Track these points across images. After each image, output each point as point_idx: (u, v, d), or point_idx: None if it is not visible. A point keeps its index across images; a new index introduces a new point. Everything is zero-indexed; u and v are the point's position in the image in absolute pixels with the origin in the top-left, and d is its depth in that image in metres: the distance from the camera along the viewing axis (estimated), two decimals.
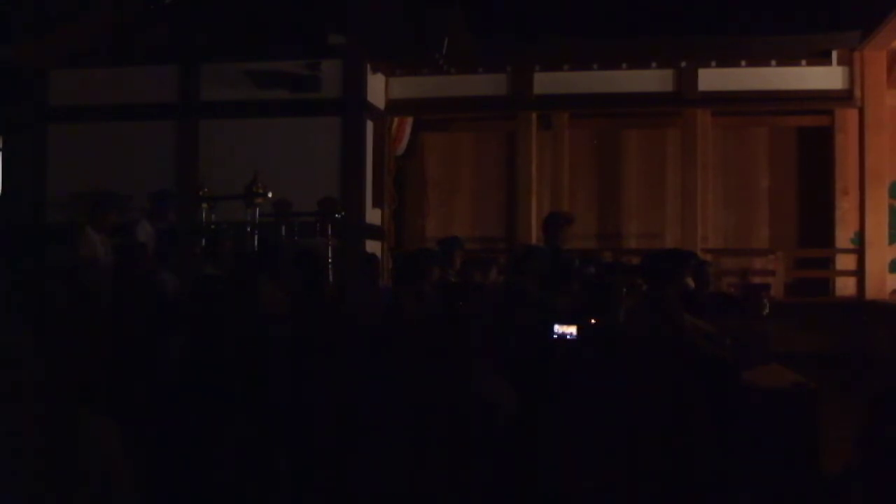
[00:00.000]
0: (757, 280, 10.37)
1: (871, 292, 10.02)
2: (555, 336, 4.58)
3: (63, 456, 2.05)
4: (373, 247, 10.05)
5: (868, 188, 10.12)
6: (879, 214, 10.15)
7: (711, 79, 10.46)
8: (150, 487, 2.98)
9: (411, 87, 10.87)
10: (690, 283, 6.09)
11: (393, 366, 4.22)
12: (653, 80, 10.57)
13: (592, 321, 4.67)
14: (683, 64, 10.46)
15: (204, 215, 8.83)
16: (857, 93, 10.17)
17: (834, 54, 10.23)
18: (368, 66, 10.17)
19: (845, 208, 10.47)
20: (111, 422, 2.19)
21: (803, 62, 10.29)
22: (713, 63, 10.44)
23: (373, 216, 10.33)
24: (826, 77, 10.29)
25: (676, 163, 11.05)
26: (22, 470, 2.00)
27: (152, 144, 9.92)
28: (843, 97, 10.26)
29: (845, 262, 10.49)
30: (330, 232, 8.40)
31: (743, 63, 10.38)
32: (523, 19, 10.14)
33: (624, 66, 10.61)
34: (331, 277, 7.75)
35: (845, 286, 10.52)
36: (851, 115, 10.38)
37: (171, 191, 8.51)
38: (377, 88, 10.55)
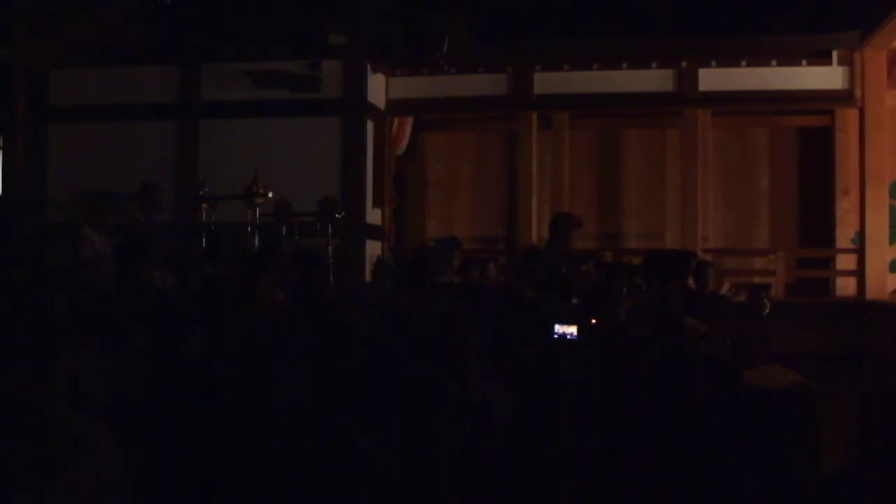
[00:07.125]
0: (757, 280, 10.37)
1: (872, 292, 10.02)
2: (555, 336, 4.58)
3: (57, 459, 2.05)
4: (373, 247, 10.05)
5: (868, 188, 10.12)
6: (879, 214, 10.15)
7: (711, 79, 10.46)
8: (150, 489, 2.98)
9: (411, 87, 10.87)
10: (691, 283, 6.09)
11: (392, 365, 4.22)
12: (653, 80, 10.56)
13: (592, 321, 4.67)
14: (683, 64, 10.46)
15: (204, 215, 8.81)
16: (857, 93, 10.16)
17: (834, 54, 10.22)
18: (368, 66, 10.17)
19: (845, 208, 10.47)
20: (107, 425, 2.19)
21: (803, 62, 10.29)
22: (713, 63, 10.44)
23: (373, 216, 10.33)
24: (826, 77, 10.29)
25: (676, 163, 11.04)
26: (16, 472, 2.00)
27: (152, 144, 9.92)
28: (844, 97, 10.26)
29: (845, 262, 10.49)
30: (330, 232, 8.39)
31: (743, 63, 10.38)
32: (523, 19, 10.14)
33: (624, 66, 10.61)
34: (331, 277, 7.74)
35: (845, 286, 10.51)
36: (851, 115, 10.38)
37: (156, 183, 8.27)
38: (377, 88, 10.55)
